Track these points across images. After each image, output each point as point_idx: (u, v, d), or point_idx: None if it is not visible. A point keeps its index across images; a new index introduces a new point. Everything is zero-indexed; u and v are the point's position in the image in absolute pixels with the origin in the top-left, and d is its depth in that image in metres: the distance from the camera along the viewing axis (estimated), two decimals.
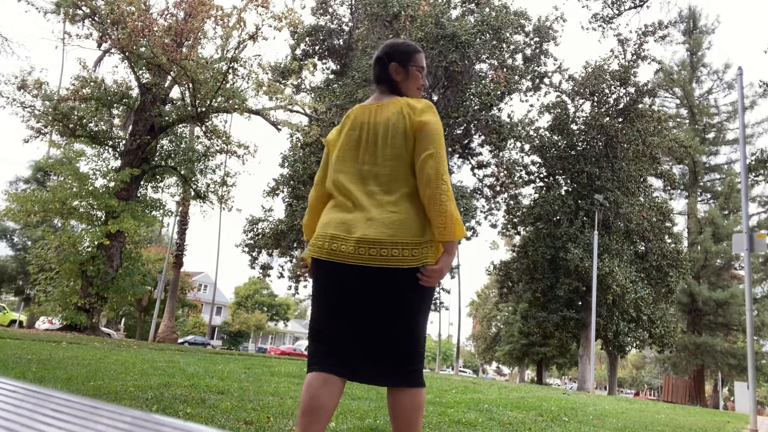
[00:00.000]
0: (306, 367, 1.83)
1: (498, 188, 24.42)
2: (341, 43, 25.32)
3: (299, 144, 21.15)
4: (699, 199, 32.26)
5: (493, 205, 25.14)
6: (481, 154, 24.35)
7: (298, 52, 25.10)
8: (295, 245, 22.77)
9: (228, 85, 16.41)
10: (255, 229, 23.80)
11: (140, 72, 16.66)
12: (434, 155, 1.72)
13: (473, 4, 23.42)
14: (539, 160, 26.38)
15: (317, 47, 25.22)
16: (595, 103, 25.52)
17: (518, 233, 27.43)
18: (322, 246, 1.75)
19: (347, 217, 1.75)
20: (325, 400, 1.67)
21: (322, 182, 1.95)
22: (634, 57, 24.78)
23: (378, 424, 3.36)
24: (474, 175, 24.77)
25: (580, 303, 24.85)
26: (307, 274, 1.91)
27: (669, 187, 28.28)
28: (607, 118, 24.79)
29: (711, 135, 32.74)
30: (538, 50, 24.37)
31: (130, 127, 17.29)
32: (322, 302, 1.76)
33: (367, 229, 1.70)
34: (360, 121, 1.87)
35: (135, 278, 16.85)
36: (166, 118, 16.90)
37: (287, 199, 22.79)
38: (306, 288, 26.03)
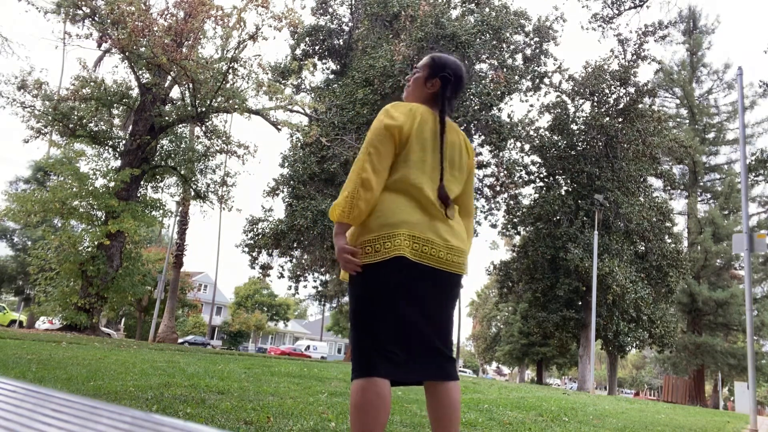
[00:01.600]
0: (362, 372, 1.71)
1: (498, 188, 24.40)
2: (341, 43, 25.31)
3: (299, 144, 21.15)
4: (699, 199, 32.26)
5: (493, 205, 25.13)
6: (481, 154, 24.35)
7: (298, 52, 25.09)
8: (295, 245, 22.76)
9: (228, 85, 16.41)
10: (255, 229, 23.78)
11: (140, 72, 16.66)
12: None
13: (473, 4, 23.41)
14: (539, 160, 26.37)
15: (317, 47, 25.20)
16: (595, 103, 25.52)
17: (518, 233, 27.42)
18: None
19: None
20: (386, 419, 1.70)
21: None
22: (634, 57, 24.77)
23: None
24: (474, 175, 24.75)
25: (580, 303, 24.84)
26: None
27: (669, 187, 28.28)
28: (607, 118, 24.79)
29: (711, 135, 32.73)
30: (538, 50, 24.36)
31: (130, 127, 17.29)
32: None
33: None
34: None
35: (135, 278, 16.85)
36: (166, 118, 16.90)
37: (287, 199, 22.77)
38: (306, 288, 26.05)
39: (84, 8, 15.31)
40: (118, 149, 17.12)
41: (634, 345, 24.92)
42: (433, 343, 1.78)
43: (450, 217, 1.86)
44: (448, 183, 1.90)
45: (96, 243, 15.40)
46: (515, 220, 26.50)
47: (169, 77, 16.72)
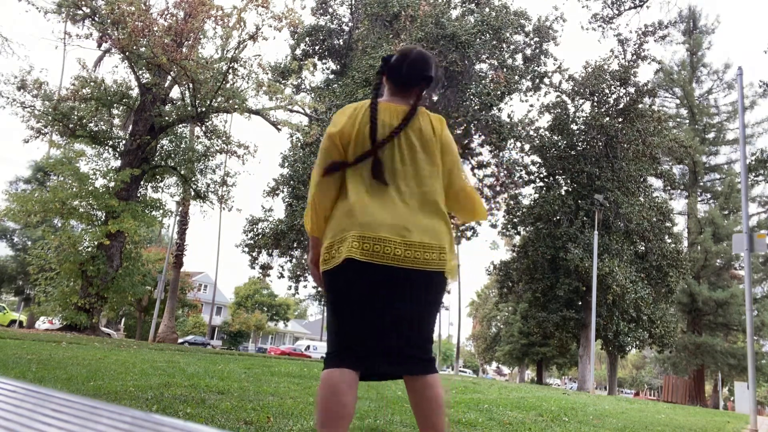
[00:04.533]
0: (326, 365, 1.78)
1: (498, 188, 24.41)
2: (341, 43, 25.31)
3: (299, 144, 21.16)
4: (699, 199, 32.26)
5: (493, 205, 25.13)
6: (481, 154, 24.35)
7: (298, 52, 25.10)
8: (295, 245, 22.78)
9: (228, 85, 16.41)
10: (255, 229, 23.79)
11: (140, 72, 16.66)
12: None
13: (473, 4, 23.42)
14: (539, 160, 26.37)
15: (317, 47, 25.21)
16: (595, 103, 25.52)
17: (518, 233, 27.43)
18: None
19: None
20: (352, 405, 1.70)
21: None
22: (634, 57, 24.77)
23: (378, 425, 3.36)
24: (474, 175, 24.76)
25: (580, 303, 24.84)
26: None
27: (669, 187, 28.28)
28: (607, 118, 24.79)
29: (711, 135, 32.73)
30: (538, 50, 24.36)
31: (130, 127, 17.29)
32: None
33: None
34: None
35: (135, 278, 16.86)
36: (166, 118, 16.90)
37: (287, 199, 22.78)
38: (306, 288, 26.02)
39: (84, 8, 15.31)
40: (118, 149, 17.12)
41: (634, 345, 24.93)
42: (400, 347, 1.74)
43: (402, 191, 1.81)
44: (393, 163, 1.84)
45: (96, 243, 15.40)
46: (515, 220, 26.50)
47: (169, 77, 16.72)
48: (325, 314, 1.86)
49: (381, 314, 1.72)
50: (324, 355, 1.82)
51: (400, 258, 1.72)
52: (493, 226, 25.88)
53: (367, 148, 1.82)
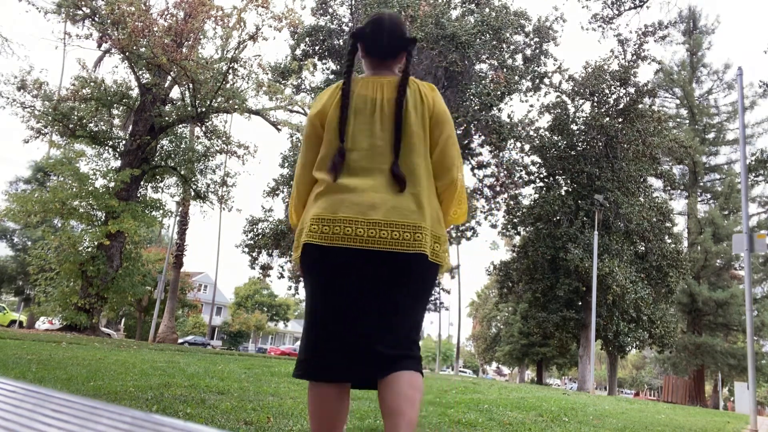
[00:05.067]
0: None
1: (498, 188, 24.40)
2: (341, 43, 25.30)
3: (299, 144, 21.14)
4: (699, 199, 32.26)
5: (493, 206, 25.12)
6: (481, 154, 24.35)
7: (298, 52, 25.09)
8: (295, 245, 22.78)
9: (228, 86, 16.41)
10: (255, 230, 23.79)
11: (140, 72, 16.67)
12: None
13: (473, 5, 23.42)
14: (539, 161, 26.37)
15: (317, 47, 25.20)
16: (595, 104, 25.52)
17: (518, 233, 27.43)
18: None
19: None
20: (336, 416, 1.58)
21: None
22: (634, 57, 24.78)
23: (378, 425, 3.36)
24: (474, 175, 24.76)
25: (580, 303, 24.84)
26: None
27: (669, 188, 28.28)
28: (607, 119, 24.79)
29: (711, 135, 32.73)
30: (538, 50, 24.36)
31: (130, 127, 17.30)
32: None
33: None
34: None
35: (135, 278, 16.86)
36: (166, 119, 16.91)
37: (287, 200, 22.78)
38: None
39: (84, 8, 15.32)
40: (118, 149, 17.12)
41: (634, 345, 24.93)
42: (365, 342, 1.53)
43: (374, 167, 1.62)
44: (370, 137, 1.65)
45: (96, 243, 15.41)
46: (515, 220, 26.50)
47: (169, 77, 16.73)
48: None
49: (344, 305, 1.53)
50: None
51: (362, 238, 1.52)
52: (493, 226, 25.85)
53: (348, 121, 1.67)
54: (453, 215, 1.79)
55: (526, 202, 26.69)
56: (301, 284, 26.08)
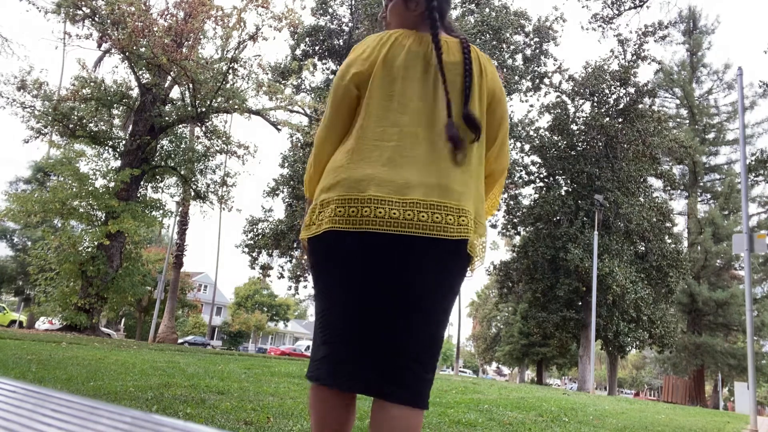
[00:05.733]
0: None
1: None
2: (341, 43, 25.31)
3: (299, 144, 21.16)
4: (699, 199, 32.27)
5: None
6: None
7: (298, 52, 25.10)
8: (295, 245, 22.77)
9: (228, 86, 16.41)
10: (255, 230, 23.81)
11: (140, 72, 16.66)
12: None
13: (473, 4, 23.42)
14: (539, 161, 26.39)
15: (317, 47, 25.21)
16: (595, 104, 25.54)
17: (518, 233, 27.45)
18: None
19: None
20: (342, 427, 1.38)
21: None
22: (634, 57, 24.79)
23: None
24: None
25: (580, 303, 24.85)
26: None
27: (669, 188, 28.30)
28: (607, 119, 24.81)
29: (711, 135, 32.75)
30: (538, 50, 24.38)
31: (130, 127, 17.29)
32: None
33: None
34: None
35: (135, 278, 16.85)
36: (166, 119, 16.90)
37: (287, 200, 22.79)
38: (306, 288, 25.99)
39: (84, 8, 15.31)
40: (118, 149, 17.12)
41: (634, 345, 24.94)
42: (385, 346, 1.27)
43: (458, 162, 1.36)
44: (436, 125, 1.38)
45: (96, 243, 15.41)
46: (515, 220, 26.52)
47: (169, 77, 16.73)
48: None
49: (370, 300, 1.28)
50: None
51: (398, 221, 1.27)
52: (493, 226, 25.88)
53: (406, 83, 1.39)
54: (491, 206, 1.64)
55: (526, 202, 26.72)
56: (302, 284, 26.19)
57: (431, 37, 1.44)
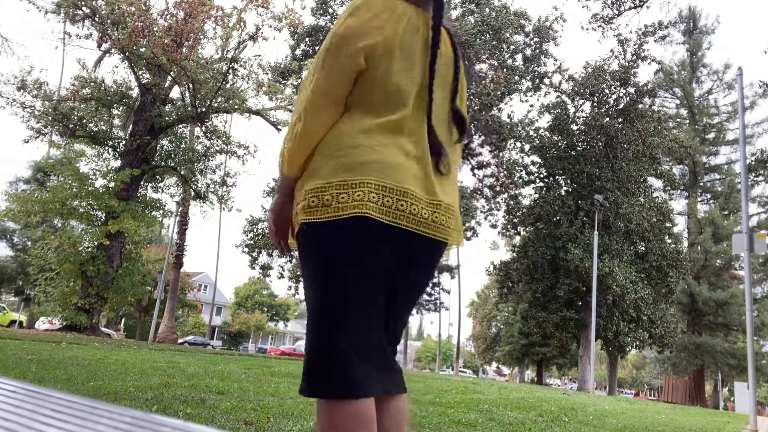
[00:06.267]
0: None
1: (498, 188, 24.42)
2: None
3: None
4: (699, 199, 32.28)
5: (493, 206, 25.14)
6: (481, 154, 24.36)
7: (298, 52, 25.10)
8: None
9: (228, 86, 16.42)
10: (255, 230, 23.81)
11: (140, 72, 16.67)
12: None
13: (473, 4, 23.42)
14: (539, 161, 26.39)
15: (317, 47, 25.20)
16: (595, 104, 25.54)
17: (518, 233, 27.45)
18: None
19: None
20: None
21: None
22: (634, 57, 24.79)
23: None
24: (474, 175, 24.77)
25: (580, 303, 24.85)
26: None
27: (669, 188, 28.30)
28: (607, 119, 24.81)
29: (711, 135, 32.75)
30: (538, 50, 24.38)
31: (130, 127, 17.30)
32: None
33: None
34: None
35: (135, 278, 16.86)
36: (166, 119, 16.91)
37: None
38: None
39: (84, 8, 15.32)
40: (118, 149, 17.13)
41: (634, 345, 24.94)
42: (393, 341, 1.28)
43: (443, 171, 1.28)
44: (438, 118, 1.31)
45: (96, 243, 15.41)
46: (515, 220, 26.52)
47: (169, 77, 16.73)
48: (308, 297, 1.23)
49: (384, 301, 1.22)
50: (313, 369, 1.16)
51: (427, 222, 1.22)
52: (493, 226, 25.88)
53: (416, 68, 1.27)
54: None
55: (526, 202, 26.71)
56: (302, 284, 26.04)
57: (432, 25, 1.31)
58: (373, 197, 1.16)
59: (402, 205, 1.18)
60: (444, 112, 1.33)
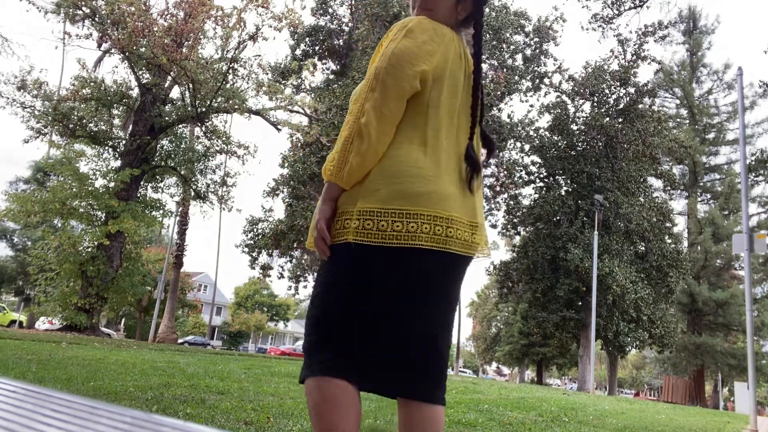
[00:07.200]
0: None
1: (498, 188, 24.42)
2: (341, 43, 25.31)
3: (299, 144, 21.15)
4: (699, 199, 32.28)
5: (493, 206, 25.15)
6: (481, 154, 24.35)
7: (298, 52, 25.11)
8: (295, 245, 22.78)
9: (228, 86, 16.41)
10: (255, 230, 23.80)
11: (140, 72, 16.67)
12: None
13: None
14: (539, 161, 26.39)
15: (317, 47, 25.22)
16: (595, 104, 25.54)
17: (518, 233, 27.44)
18: None
19: None
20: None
21: None
22: (634, 57, 24.80)
23: (378, 425, 3.37)
24: None
25: (580, 303, 24.85)
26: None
27: (669, 188, 28.31)
28: (607, 119, 24.81)
29: (711, 135, 32.76)
30: (538, 50, 24.38)
31: (130, 127, 17.30)
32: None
33: None
34: None
35: (135, 279, 16.85)
36: (166, 119, 16.91)
37: (287, 200, 22.78)
38: (306, 288, 26.00)
39: (84, 8, 15.31)
40: (118, 149, 17.12)
41: (634, 345, 24.94)
42: (434, 356, 1.33)
43: (472, 190, 1.37)
44: (476, 143, 1.43)
45: (96, 243, 15.41)
46: (515, 220, 26.52)
47: (169, 77, 16.73)
48: (318, 296, 1.34)
49: (438, 319, 1.34)
50: (311, 353, 1.32)
51: (467, 243, 1.33)
52: (493, 226, 25.88)
53: (458, 98, 1.38)
54: None
55: (526, 202, 26.72)
56: (302, 284, 26.23)
57: (473, 59, 1.44)
58: (426, 228, 1.26)
59: (450, 232, 1.28)
60: (477, 136, 1.44)
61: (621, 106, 24.95)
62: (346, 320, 1.28)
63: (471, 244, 1.33)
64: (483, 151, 1.52)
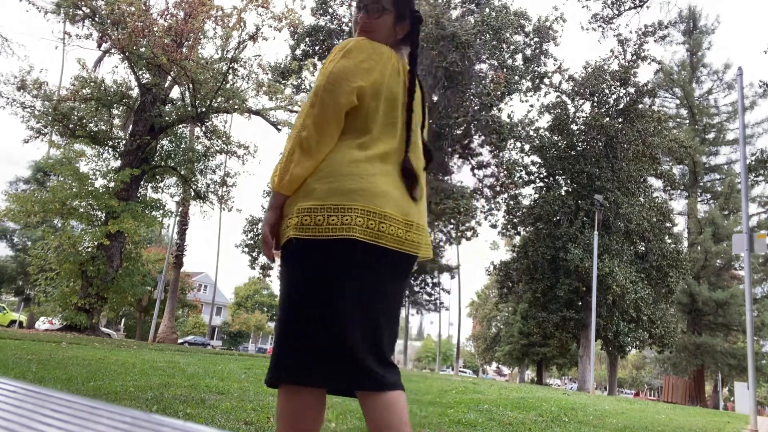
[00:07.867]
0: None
1: (498, 188, 24.41)
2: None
3: None
4: (699, 199, 32.27)
5: (493, 206, 25.12)
6: (481, 154, 24.35)
7: (298, 52, 25.10)
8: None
9: (228, 86, 16.42)
10: (255, 230, 23.80)
11: (140, 72, 16.67)
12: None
13: (473, 4, 23.41)
14: (539, 161, 26.38)
15: (317, 47, 25.20)
16: (595, 104, 25.54)
17: (518, 233, 27.43)
18: None
19: None
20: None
21: None
22: (634, 57, 24.78)
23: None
24: (474, 175, 24.76)
25: (580, 303, 24.85)
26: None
27: (669, 188, 28.30)
28: (607, 119, 24.81)
29: (711, 135, 32.75)
30: (538, 50, 24.36)
31: (130, 127, 17.30)
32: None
33: None
34: None
35: (135, 279, 16.86)
36: (166, 119, 16.91)
37: None
38: None
39: (84, 8, 15.31)
40: (118, 149, 17.12)
41: (634, 345, 24.94)
42: (376, 348, 1.37)
43: (416, 198, 1.48)
44: (414, 154, 1.52)
45: (96, 243, 15.41)
46: (515, 220, 26.51)
47: (169, 77, 16.73)
48: (284, 300, 1.41)
49: (366, 311, 1.37)
50: (278, 358, 1.39)
51: (402, 240, 1.41)
52: (493, 226, 25.85)
53: (397, 110, 1.51)
54: None
55: (526, 202, 26.70)
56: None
57: (408, 74, 1.57)
58: (359, 221, 1.35)
59: (383, 227, 1.37)
60: (417, 145, 1.55)
61: (621, 106, 24.95)
62: (302, 320, 1.36)
63: (404, 241, 1.41)
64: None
